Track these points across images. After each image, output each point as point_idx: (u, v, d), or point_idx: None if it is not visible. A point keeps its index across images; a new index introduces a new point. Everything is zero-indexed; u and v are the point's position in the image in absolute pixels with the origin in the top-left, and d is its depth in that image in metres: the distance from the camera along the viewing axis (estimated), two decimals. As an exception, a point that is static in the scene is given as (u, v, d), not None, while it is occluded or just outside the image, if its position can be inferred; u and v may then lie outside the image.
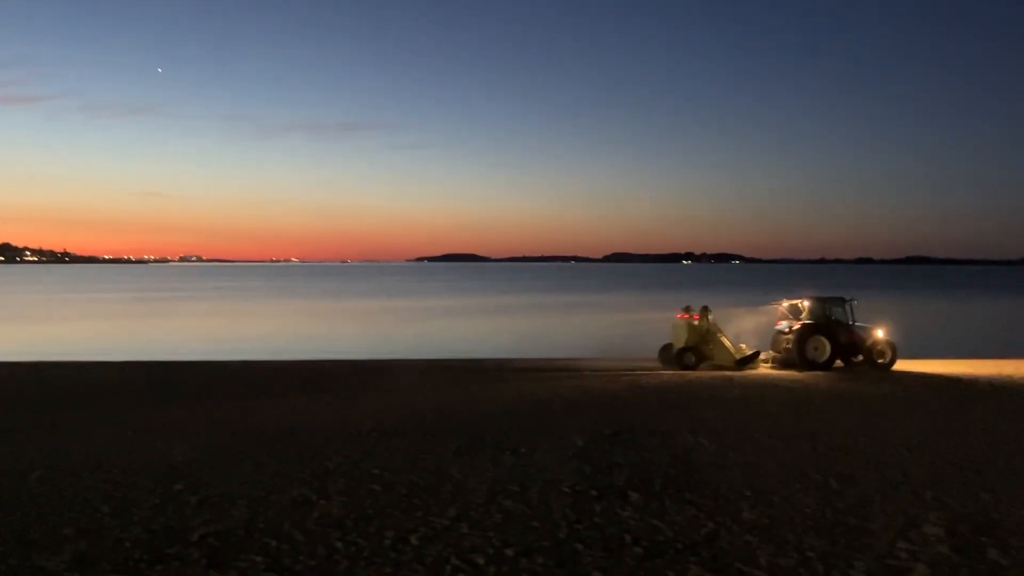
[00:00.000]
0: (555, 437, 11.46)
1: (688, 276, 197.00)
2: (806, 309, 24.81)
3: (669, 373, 22.30)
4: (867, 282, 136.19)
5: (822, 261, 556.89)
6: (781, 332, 24.64)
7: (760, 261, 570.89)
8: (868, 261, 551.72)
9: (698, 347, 23.63)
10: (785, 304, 25.60)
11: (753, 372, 22.72)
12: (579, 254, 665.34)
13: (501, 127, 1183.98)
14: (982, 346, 34.84)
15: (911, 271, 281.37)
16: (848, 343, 23.79)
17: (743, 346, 24.93)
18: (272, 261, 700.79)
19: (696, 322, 23.92)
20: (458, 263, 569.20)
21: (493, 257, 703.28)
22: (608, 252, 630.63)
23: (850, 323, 24.74)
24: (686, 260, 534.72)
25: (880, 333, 24.42)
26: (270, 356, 30.44)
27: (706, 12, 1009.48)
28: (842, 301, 25.70)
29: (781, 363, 24.15)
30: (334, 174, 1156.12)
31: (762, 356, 24.71)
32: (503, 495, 8.64)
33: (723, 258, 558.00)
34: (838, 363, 23.82)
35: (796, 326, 23.99)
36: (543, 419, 13.75)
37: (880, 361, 23.66)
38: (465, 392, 18.21)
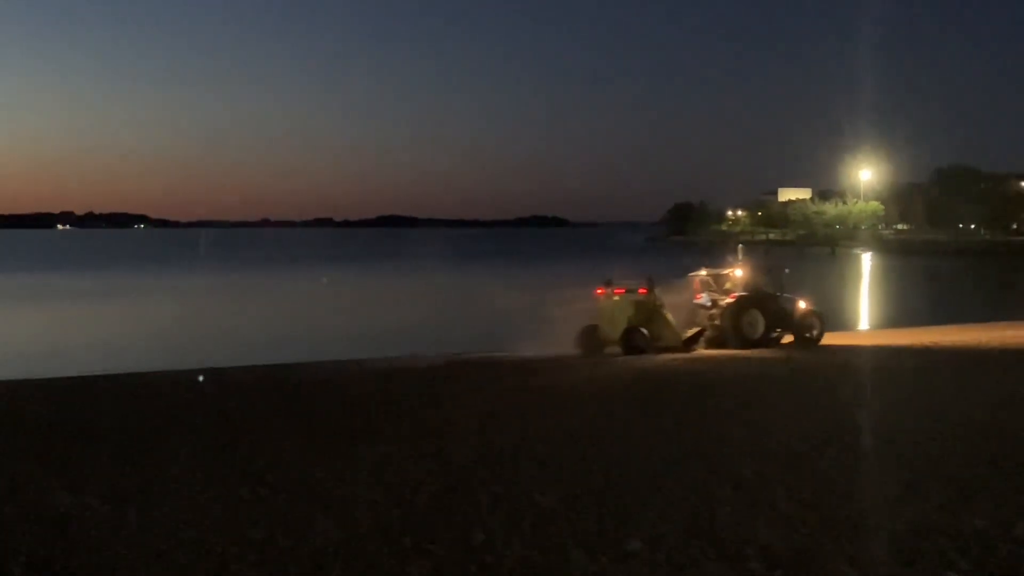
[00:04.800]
0: None
1: (83, 244, 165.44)
2: (736, 280, 26.01)
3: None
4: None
5: (266, 223, 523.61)
6: (702, 307, 25.50)
7: (176, 224, 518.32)
8: (329, 222, 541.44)
9: (646, 326, 24.09)
10: (704, 274, 26.56)
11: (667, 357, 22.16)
12: None
13: None
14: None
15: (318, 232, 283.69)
16: (778, 316, 25.05)
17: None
18: None
19: (644, 297, 24.47)
20: None
21: None
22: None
23: (778, 294, 25.80)
24: (63, 224, 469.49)
25: (803, 304, 25.58)
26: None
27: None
28: (770, 271, 27.40)
29: (708, 341, 24.86)
30: None
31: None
32: None
33: (121, 219, 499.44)
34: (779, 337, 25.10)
35: (727, 300, 24.95)
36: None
37: (808, 336, 24.80)
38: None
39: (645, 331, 23.87)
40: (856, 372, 18.99)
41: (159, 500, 8.03)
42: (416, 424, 12.21)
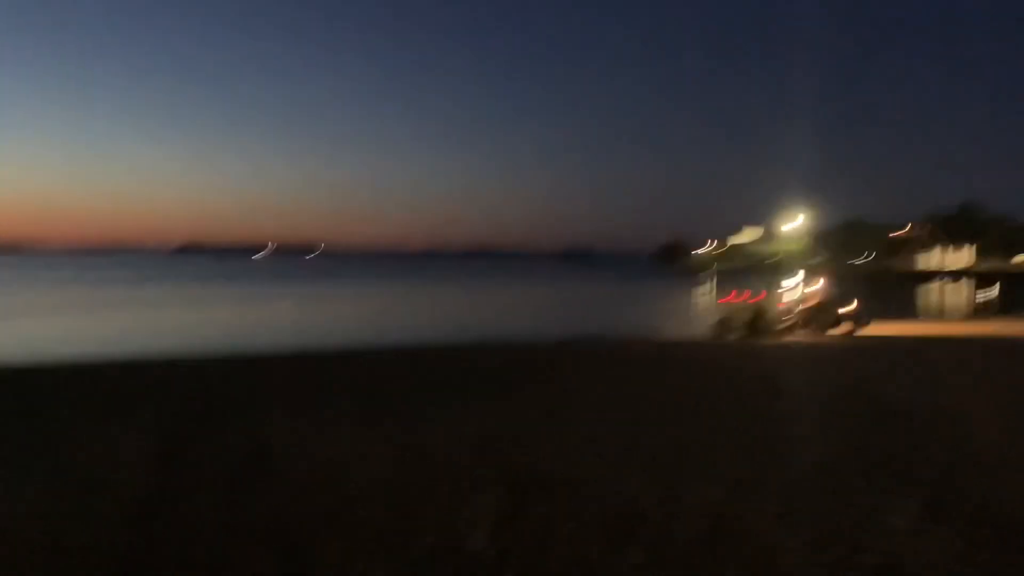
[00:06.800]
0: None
1: (286, 267, 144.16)
2: (811, 292, 26.16)
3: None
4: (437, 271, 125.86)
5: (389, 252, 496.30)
6: (790, 309, 25.54)
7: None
8: (432, 251, 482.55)
9: (759, 320, 24.59)
10: (789, 288, 26.74)
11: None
12: (147, 245, 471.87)
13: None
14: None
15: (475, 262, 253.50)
16: (841, 315, 24.95)
17: None
18: None
19: (758, 302, 25.17)
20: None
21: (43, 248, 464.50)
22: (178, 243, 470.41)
23: (837, 299, 25.94)
24: (265, 251, 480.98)
25: (853, 305, 25.39)
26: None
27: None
28: (834, 285, 27.68)
29: (795, 331, 24.92)
30: None
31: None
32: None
33: (303, 249, 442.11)
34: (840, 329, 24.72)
35: (807, 305, 24.97)
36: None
37: (859, 325, 24.69)
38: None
39: (758, 323, 24.64)
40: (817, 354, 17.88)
41: (332, 427, 8.58)
42: (491, 383, 12.51)
